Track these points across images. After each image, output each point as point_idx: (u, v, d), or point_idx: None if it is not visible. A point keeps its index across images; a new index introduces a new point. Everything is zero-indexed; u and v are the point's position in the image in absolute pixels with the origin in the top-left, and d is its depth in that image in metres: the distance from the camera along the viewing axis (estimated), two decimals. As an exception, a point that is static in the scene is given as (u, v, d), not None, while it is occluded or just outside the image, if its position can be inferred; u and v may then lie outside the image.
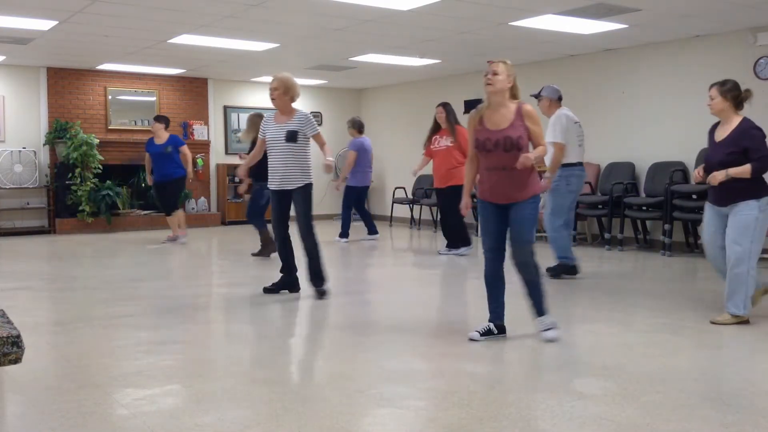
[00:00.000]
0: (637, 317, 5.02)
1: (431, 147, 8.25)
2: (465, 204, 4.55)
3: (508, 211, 4.28)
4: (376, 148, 12.35)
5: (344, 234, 9.68)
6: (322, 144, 5.82)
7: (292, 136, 5.62)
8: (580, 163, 6.48)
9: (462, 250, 8.25)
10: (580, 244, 9.37)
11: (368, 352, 4.09)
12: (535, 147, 4.22)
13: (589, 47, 9.29)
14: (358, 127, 9.88)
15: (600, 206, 8.92)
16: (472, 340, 4.28)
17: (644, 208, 8.56)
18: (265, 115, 6.27)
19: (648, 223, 8.94)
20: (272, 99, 5.70)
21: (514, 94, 4.25)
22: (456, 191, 7.98)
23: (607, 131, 9.55)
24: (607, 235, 8.86)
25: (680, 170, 8.23)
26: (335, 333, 4.67)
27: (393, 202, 12.53)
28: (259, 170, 6.86)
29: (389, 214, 12.81)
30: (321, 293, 5.72)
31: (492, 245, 4.34)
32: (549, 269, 6.50)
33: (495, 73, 4.19)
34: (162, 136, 9.35)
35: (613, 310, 5.23)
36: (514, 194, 4.22)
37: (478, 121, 4.29)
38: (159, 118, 9.55)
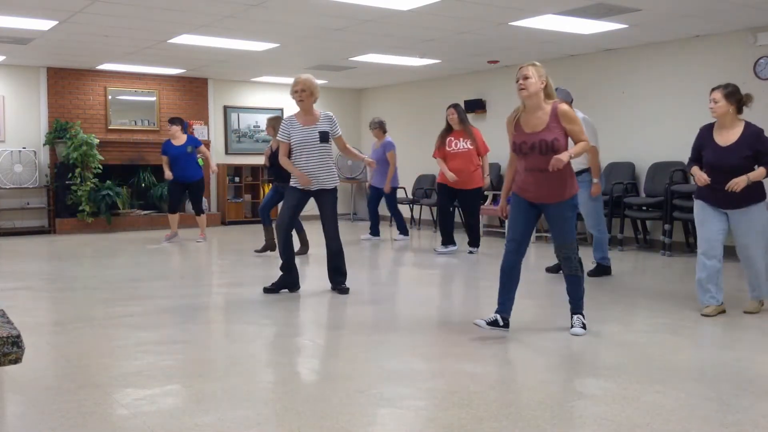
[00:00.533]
0: (637, 317, 5.02)
1: (447, 149, 8.23)
2: (502, 208, 4.63)
3: (540, 210, 4.39)
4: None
5: (404, 231, 9.92)
6: (344, 145, 5.98)
7: (325, 137, 5.72)
8: None
9: (474, 250, 8.43)
10: (580, 244, 9.36)
11: (368, 352, 4.09)
12: (576, 144, 4.26)
13: (589, 47, 9.30)
14: (384, 127, 9.89)
15: (600, 206, 8.91)
16: (476, 325, 4.31)
17: (644, 208, 8.56)
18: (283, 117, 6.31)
19: (648, 223, 8.94)
20: (300, 101, 5.67)
21: (548, 94, 4.25)
22: (480, 192, 8.45)
23: (607, 131, 9.53)
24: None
25: (680, 170, 8.23)
26: (335, 333, 4.67)
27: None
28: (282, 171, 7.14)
29: (389, 214, 12.81)
30: (345, 290, 5.89)
31: (515, 237, 4.39)
32: (590, 272, 6.62)
33: (526, 77, 4.19)
34: (180, 137, 9.44)
35: (613, 310, 5.24)
36: (550, 195, 4.28)
37: (515, 124, 4.31)
38: (175, 120, 9.53)
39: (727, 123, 4.81)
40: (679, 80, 8.69)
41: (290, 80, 13.76)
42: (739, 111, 4.81)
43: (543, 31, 8.20)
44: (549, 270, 6.97)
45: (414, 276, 7.19)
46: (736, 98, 4.77)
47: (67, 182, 10.91)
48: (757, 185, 4.78)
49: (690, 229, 8.40)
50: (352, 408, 3.13)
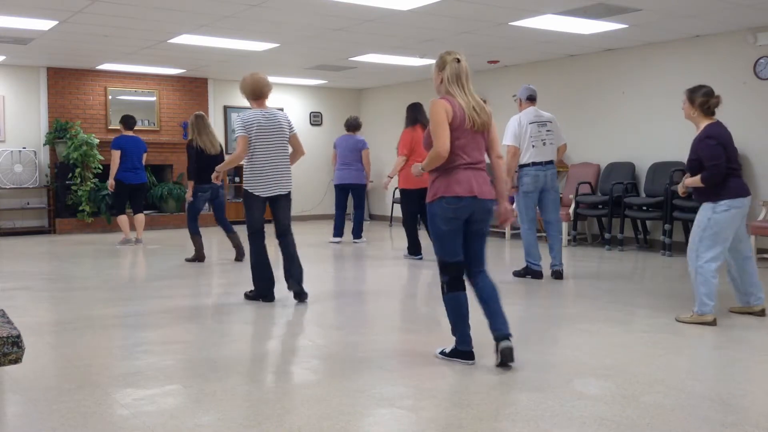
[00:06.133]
0: (637, 317, 5.02)
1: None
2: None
3: None
4: (374, 148, 12.36)
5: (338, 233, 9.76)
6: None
7: None
8: (535, 163, 6.44)
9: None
10: (580, 244, 9.37)
11: (368, 352, 4.09)
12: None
13: (589, 47, 9.29)
14: (346, 125, 9.78)
15: (600, 206, 8.92)
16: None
17: (644, 208, 8.56)
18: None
19: (648, 223, 8.95)
20: None
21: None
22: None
23: (607, 131, 9.55)
24: (607, 235, 8.86)
25: (680, 170, 8.22)
26: (334, 333, 4.66)
27: (393, 202, 12.53)
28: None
29: (389, 214, 12.82)
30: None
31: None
32: (515, 272, 6.72)
33: None
34: None
35: (613, 310, 5.24)
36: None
37: None
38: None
39: (695, 125, 4.86)
40: (679, 80, 8.68)
41: (290, 80, 13.69)
42: (707, 113, 4.78)
43: (543, 31, 8.20)
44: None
45: (413, 275, 7.19)
46: (700, 101, 4.75)
47: (67, 182, 10.92)
48: (710, 187, 4.74)
49: (690, 229, 8.40)
50: (352, 408, 3.13)
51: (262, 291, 5.61)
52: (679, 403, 3.18)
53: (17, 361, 2.64)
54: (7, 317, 2.96)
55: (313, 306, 5.53)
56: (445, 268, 3.79)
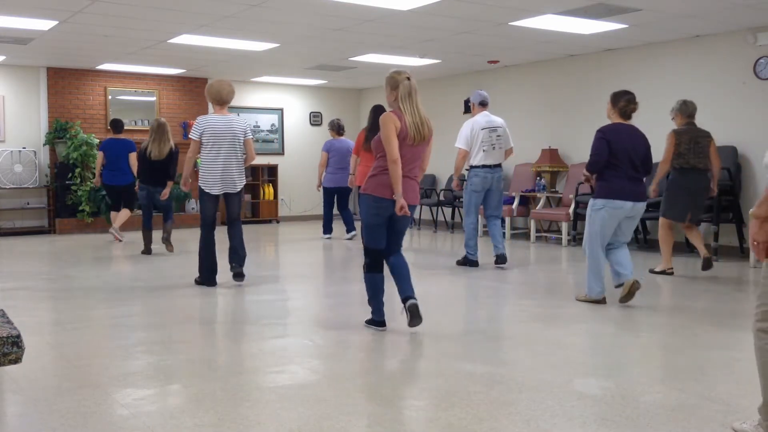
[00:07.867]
0: (636, 317, 5.02)
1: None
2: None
3: None
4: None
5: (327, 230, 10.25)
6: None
7: None
8: (486, 166, 7.11)
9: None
10: (580, 244, 9.36)
11: (368, 352, 4.09)
12: None
13: (589, 47, 9.29)
14: (336, 128, 10.24)
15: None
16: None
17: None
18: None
19: (648, 223, 8.94)
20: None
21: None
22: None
23: (607, 131, 9.54)
24: (607, 235, 8.86)
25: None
26: (334, 333, 4.66)
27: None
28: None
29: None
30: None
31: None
32: (457, 261, 7.48)
33: None
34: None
35: (612, 310, 5.23)
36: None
37: None
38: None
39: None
40: (679, 80, 8.69)
41: (290, 80, 13.74)
42: (623, 116, 5.26)
43: (543, 31, 8.20)
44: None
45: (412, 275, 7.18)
46: (619, 106, 5.27)
47: (67, 182, 10.92)
48: (597, 183, 5.21)
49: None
50: (352, 408, 3.13)
51: (205, 276, 6.20)
52: (679, 403, 3.18)
53: (17, 361, 2.64)
54: (7, 317, 2.96)
55: (313, 306, 5.53)
56: (368, 252, 4.51)
